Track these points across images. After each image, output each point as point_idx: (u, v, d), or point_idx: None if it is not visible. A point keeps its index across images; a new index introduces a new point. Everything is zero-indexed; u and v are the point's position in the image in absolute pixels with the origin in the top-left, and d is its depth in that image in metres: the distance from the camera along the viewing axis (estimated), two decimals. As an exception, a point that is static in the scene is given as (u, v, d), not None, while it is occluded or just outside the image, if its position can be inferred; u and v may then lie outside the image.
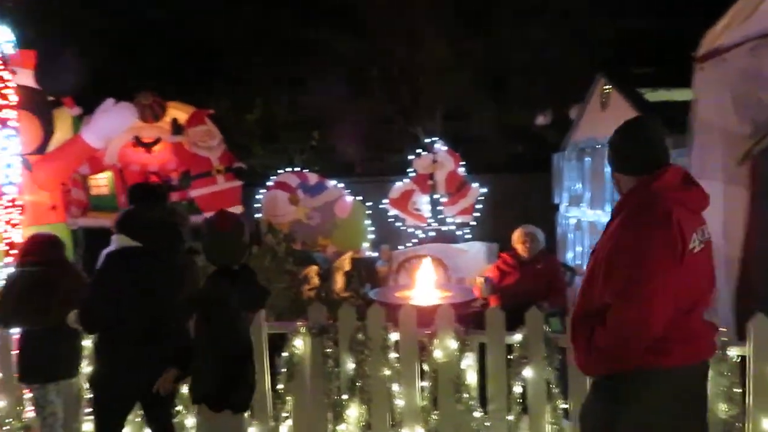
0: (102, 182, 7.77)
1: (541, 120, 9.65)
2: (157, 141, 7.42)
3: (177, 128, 7.38)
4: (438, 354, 3.45)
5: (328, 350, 3.59)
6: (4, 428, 3.87)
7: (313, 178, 8.64)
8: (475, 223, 8.29)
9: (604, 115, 7.60)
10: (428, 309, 4.13)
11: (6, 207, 4.54)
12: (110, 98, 5.43)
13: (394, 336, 3.55)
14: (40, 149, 5.37)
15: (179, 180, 7.78)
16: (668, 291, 2.05)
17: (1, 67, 4.58)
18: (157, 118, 7.28)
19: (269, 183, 8.57)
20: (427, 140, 8.54)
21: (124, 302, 3.05)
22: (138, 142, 7.33)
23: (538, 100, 9.77)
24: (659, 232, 2.06)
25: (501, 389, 3.42)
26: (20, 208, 4.63)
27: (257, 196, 8.50)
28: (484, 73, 10.26)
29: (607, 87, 7.59)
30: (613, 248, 2.13)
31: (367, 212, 8.61)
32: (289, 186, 8.55)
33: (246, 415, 3.04)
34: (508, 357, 3.42)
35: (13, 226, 4.52)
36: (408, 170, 8.36)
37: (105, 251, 3.50)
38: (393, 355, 3.54)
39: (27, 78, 5.13)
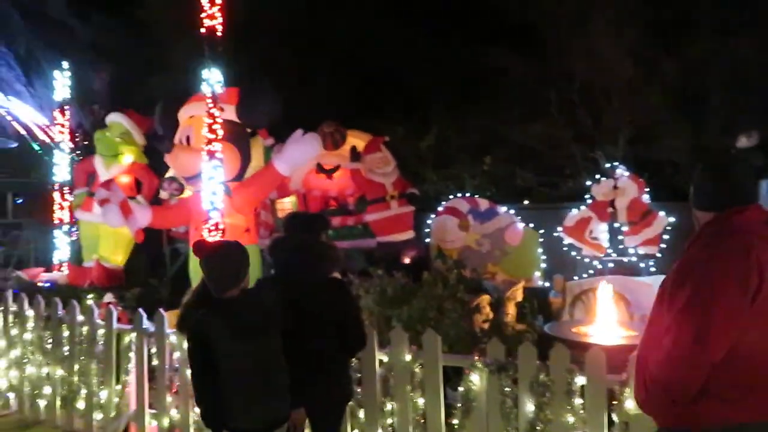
0: (287, 206, 8.39)
1: (743, 142, 8.56)
2: (337, 168, 7.83)
3: (355, 155, 7.73)
4: (630, 405, 3.12)
5: (506, 389, 3.43)
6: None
7: (483, 203, 8.51)
8: (660, 255, 7.57)
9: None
10: (613, 349, 3.79)
11: (210, 230, 5.04)
12: (299, 129, 5.80)
13: (579, 380, 3.29)
14: (238, 176, 5.91)
15: (355, 205, 8.12)
16: (732, 322, 1.88)
17: (212, 105, 5.12)
18: (337, 146, 7.69)
19: (439, 208, 8.61)
20: (608, 165, 8.01)
21: None
22: (320, 168, 7.79)
23: (740, 120, 8.70)
24: (734, 261, 1.91)
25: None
26: (222, 232, 5.11)
27: (428, 221, 8.57)
28: (677, 93, 9.37)
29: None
30: (680, 270, 2.02)
31: (540, 240, 8.27)
32: (459, 211, 8.51)
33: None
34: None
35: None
36: (585, 197, 7.89)
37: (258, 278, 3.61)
38: (578, 400, 3.28)
39: (230, 113, 5.70)
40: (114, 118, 7.78)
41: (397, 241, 7.81)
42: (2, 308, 5.63)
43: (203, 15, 5.23)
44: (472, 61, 10.38)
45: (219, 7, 5.24)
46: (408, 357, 3.76)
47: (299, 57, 11.93)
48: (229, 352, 2.78)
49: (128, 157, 7.70)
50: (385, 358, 3.86)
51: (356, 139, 7.90)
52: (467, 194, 8.83)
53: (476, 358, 3.55)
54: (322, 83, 11.81)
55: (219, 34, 5.24)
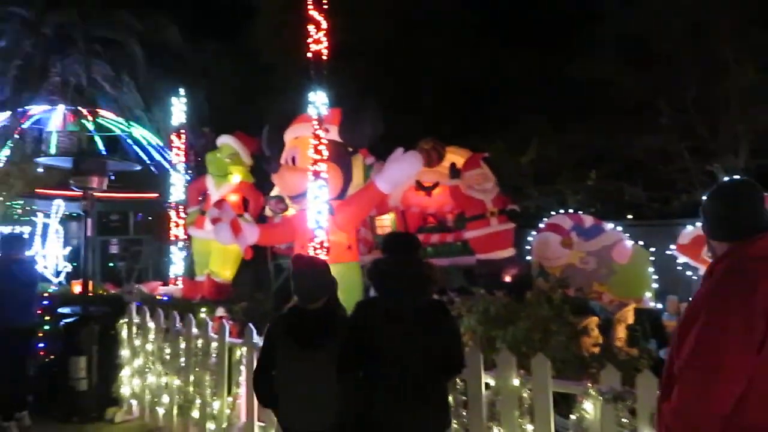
0: (386, 222, 8.47)
1: None
2: (435, 185, 7.82)
3: (454, 172, 7.69)
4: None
5: (623, 420, 3.23)
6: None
7: (588, 220, 8.17)
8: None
9: None
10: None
11: (316, 248, 5.17)
12: (400, 148, 5.85)
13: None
14: (341, 195, 6.04)
15: (454, 221, 8.07)
16: (734, 380, 1.82)
17: (318, 126, 5.28)
18: (436, 163, 7.69)
19: (541, 225, 8.35)
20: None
21: (371, 350, 3.10)
22: (419, 185, 7.82)
23: None
24: (739, 310, 1.84)
25: None
26: (326, 249, 5.23)
27: (529, 239, 8.34)
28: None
29: None
30: (687, 315, 1.98)
31: (651, 258, 7.80)
32: (562, 228, 8.21)
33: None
34: None
35: (321, 265, 5.09)
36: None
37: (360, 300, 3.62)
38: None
39: (333, 133, 5.85)
40: (224, 140, 8.22)
41: (497, 258, 7.66)
42: (126, 320, 6.05)
43: (309, 40, 5.42)
44: (574, 74, 10.04)
45: (324, 32, 5.41)
46: (516, 381, 3.64)
47: (398, 76, 12.09)
48: (285, 357, 3.14)
49: (237, 176, 8.10)
50: (492, 382, 3.76)
51: (455, 156, 7.86)
52: (570, 210, 8.52)
53: (589, 385, 3.37)
54: (421, 101, 11.89)
55: (324, 57, 5.41)
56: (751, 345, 1.84)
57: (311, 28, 5.43)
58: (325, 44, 5.42)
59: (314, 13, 5.45)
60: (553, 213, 8.61)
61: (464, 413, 3.79)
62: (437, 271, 3.53)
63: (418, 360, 3.09)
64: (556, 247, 8.11)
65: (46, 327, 6.98)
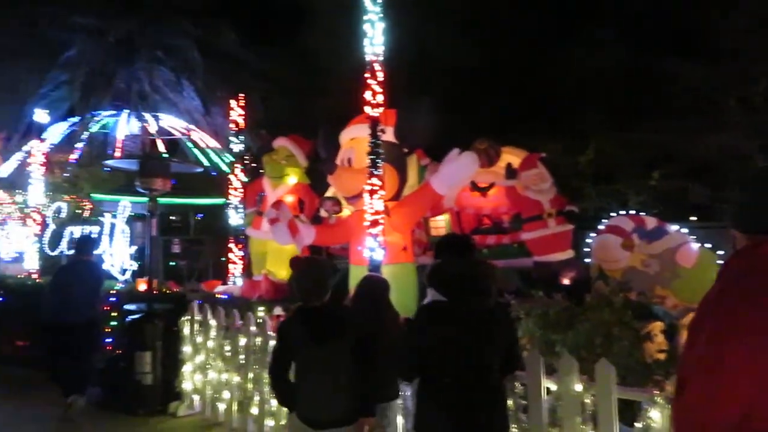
0: (440, 224, 8.42)
1: None
2: (491, 185, 7.72)
3: (511, 172, 7.57)
4: None
5: (693, 430, 3.09)
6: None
7: (651, 221, 7.87)
8: None
9: None
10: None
11: (372, 249, 5.18)
12: (456, 149, 5.80)
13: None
14: (396, 196, 6.04)
15: (510, 223, 7.94)
16: (749, 372, 1.69)
17: (374, 127, 5.30)
18: (491, 163, 7.58)
19: (600, 227, 8.12)
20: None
21: (434, 354, 3.08)
22: (474, 186, 7.73)
23: None
24: (749, 311, 1.71)
25: None
26: (383, 250, 5.23)
27: (588, 240, 8.12)
28: None
29: None
30: (699, 312, 1.84)
31: (718, 262, 7.47)
32: (622, 230, 7.94)
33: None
34: None
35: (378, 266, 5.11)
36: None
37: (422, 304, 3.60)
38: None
39: (388, 134, 5.86)
40: (280, 142, 8.36)
41: (555, 260, 7.50)
42: (189, 317, 6.24)
43: (365, 41, 5.45)
44: (635, 70, 9.71)
45: (380, 32, 5.43)
46: (578, 387, 3.55)
47: (453, 76, 12.01)
48: (304, 353, 3.29)
49: (292, 178, 8.23)
50: (553, 387, 3.68)
51: (511, 156, 7.73)
52: (631, 211, 8.24)
53: (656, 392, 3.25)
54: (477, 101, 11.75)
55: (381, 58, 5.43)
56: (763, 348, 1.72)
57: (367, 29, 5.45)
58: (382, 45, 5.44)
59: (370, 15, 5.48)
60: (613, 214, 8.35)
61: (524, 417, 3.73)
62: (497, 271, 3.50)
63: (481, 363, 3.07)
64: (616, 249, 7.86)
65: (113, 323, 7.29)
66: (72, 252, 7.42)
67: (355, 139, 6.17)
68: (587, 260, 8.02)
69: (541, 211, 7.45)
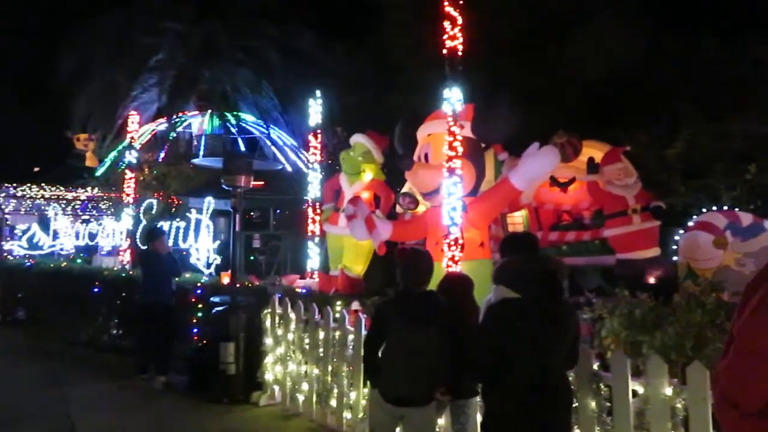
0: (518, 220, 8.24)
1: None
2: (572, 180, 7.49)
3: (593, 167, 7.31)
4: None
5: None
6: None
7: (746, 218, 7.40)
8: None
9: None
10: None
11: (450, 245, 5.15)
12: (535, 143, 5.66)
13: None
14: (473, 192, 5.97)
15: (592, 219, 7.69)
16: None
17: (453, 123, 5.26)
18: (570, 158, 7.34)
19: (690, 223, 7.71)
20: None
21: (508, 352, 3.03)
22: (554, 182, 7.52)
23: None
24: None
25: None
26: (461, 246, 5.19)
27: (675, 237, 7.73)
28: None
29: None
30: (754, 284, 1.79)
31: (823, 261, 6.91)
32: (714, 227, 7.51)
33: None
34: None
35: (455, 262, 5.08)
36: None
37: (485, 300, 3.55)
38: None
39: (466, 129, 5.79)
40: (356, 139, 8.44)
41: (639, 258, 7.19)
42: (270, 310, 6.43)
43: (445, 36, 5.41)
44: (728, 57, 9.11)
45: (459, 27, 5.38)
46: (669, 390, 3.39)
47: (532, 68, 11.71)
48: (397, 334, 3.53)
49: (369, 174, 8.29)
50: (640, 389, 3.54)
51: (593, 150, 7.47)
52: (724, 207, 7.78)
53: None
54: (556, 93, 11.39)
55: (460, 53, 5.37)
56: None
57: (447, 24, 5.41)
58: (461, 40, 5.38)
59: (450, 9, 5.43)
60: (704, 210, 7.92)
61: (608, 420, 3.61)
62: (564, 267, 3.48)
63: (551, 361, 3.06)
64: (707, 247, 7.45)
65: (199, 314, 7.64)
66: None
67: (432, 134, 6.14)
68: (675, 258, 7.65)
69: (626, 206, 7.16)
